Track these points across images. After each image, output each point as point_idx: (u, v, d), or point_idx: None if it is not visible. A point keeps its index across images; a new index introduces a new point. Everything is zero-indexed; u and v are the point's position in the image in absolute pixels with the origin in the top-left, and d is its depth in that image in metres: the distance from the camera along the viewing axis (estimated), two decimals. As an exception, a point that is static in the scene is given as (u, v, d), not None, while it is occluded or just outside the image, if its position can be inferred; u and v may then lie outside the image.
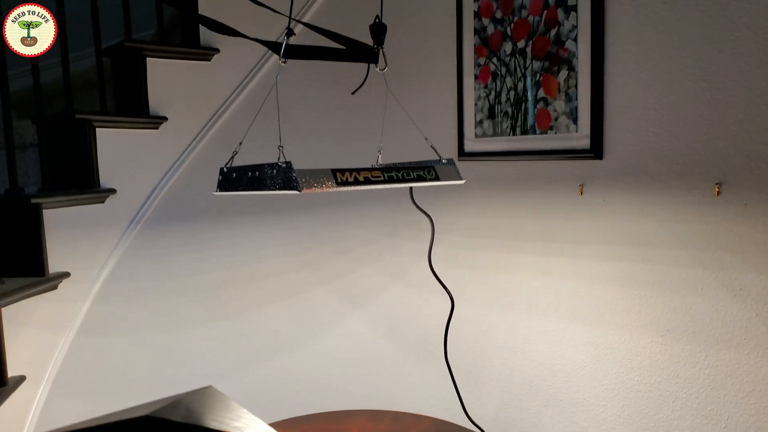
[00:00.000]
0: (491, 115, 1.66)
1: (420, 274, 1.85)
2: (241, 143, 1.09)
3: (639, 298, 1.38)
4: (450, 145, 1.79)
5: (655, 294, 1.35)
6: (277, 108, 1.26)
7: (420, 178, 1.08)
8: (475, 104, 1.70)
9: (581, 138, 1.46)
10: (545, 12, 1.51)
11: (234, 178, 1.04)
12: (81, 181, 1.83)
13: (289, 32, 1.04)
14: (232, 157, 1.07)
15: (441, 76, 1.78)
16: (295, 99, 2.00)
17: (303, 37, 1.45)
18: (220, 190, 1.07)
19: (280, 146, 1.01)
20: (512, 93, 1.61)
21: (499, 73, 1.64)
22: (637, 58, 1.34)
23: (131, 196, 1.89)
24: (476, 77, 1.69)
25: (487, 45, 1.66)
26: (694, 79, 1.25)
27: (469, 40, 1.71)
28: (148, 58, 1.91)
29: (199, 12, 1.93)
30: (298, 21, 1.31)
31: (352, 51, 1.13)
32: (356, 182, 0.95)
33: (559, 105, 1.50)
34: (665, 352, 1.35)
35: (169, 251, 1.96)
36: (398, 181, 1.02)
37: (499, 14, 1.62)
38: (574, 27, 1.45)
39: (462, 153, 1.75)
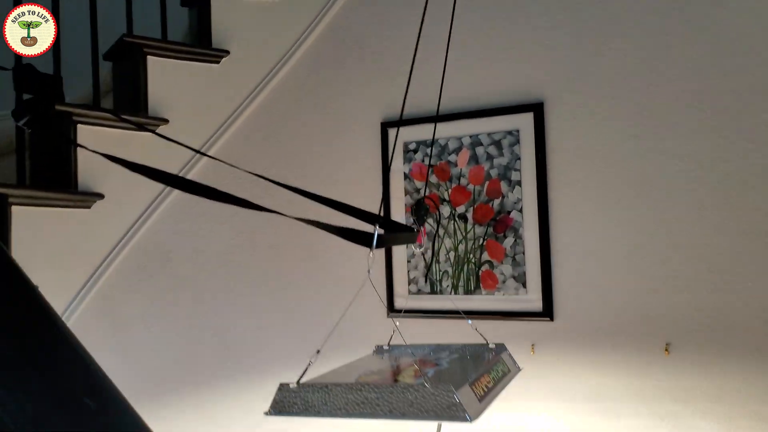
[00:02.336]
0: (428, 273, 1.67)
1: None
2: (318, 351, 0.88)
3: (601, 453, 1.47)
4: (378, 302, 1.72)
5: (616, 449, 1.46)
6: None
7: (504, 374, 1.01)
8: (408, 261, 1.69)
9: (533, 301, 1.56)
10: (487, 183, 1.62)
11: (308, 402, 0.82)
12: None
13: (378, 221, 0.91)
14: (306, 370, 0.85)
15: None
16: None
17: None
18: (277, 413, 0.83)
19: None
20: (452, 254, 1.65)
21: (435, 233, 1.67)
22: (585, 231, 1.53)
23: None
24: (412, 236, 1.69)
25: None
26: (641, 254, 1.47)
27: (399, 200, 1.72)
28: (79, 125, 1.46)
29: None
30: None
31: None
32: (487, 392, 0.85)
33: (506, 269, 1.59)
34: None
35: None
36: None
37: (434, 179, 1.68)
38: (519, 200, 1.59)
39: (392, 309, 1.69)
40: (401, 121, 1.72)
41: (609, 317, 1.49)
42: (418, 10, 1.71)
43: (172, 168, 1.72)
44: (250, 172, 1.43)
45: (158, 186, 1.65)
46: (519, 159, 1.59)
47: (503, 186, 1.61)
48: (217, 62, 1.78)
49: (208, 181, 1.77)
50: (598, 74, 1.54)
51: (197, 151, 1.44)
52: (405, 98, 1.08)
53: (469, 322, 1.18)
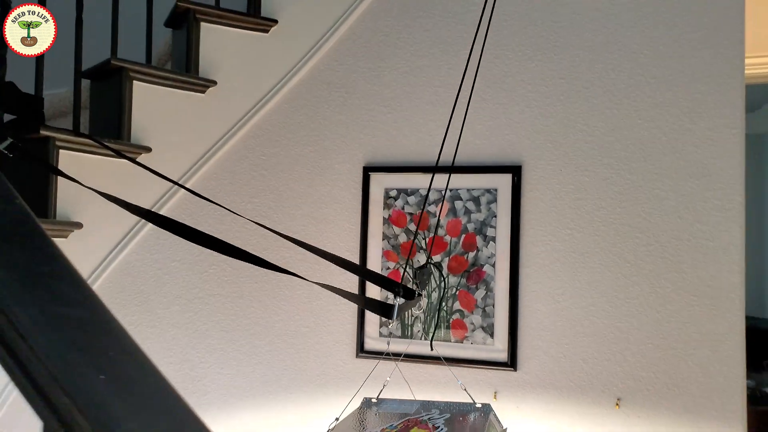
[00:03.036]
0: (400, 317, 1.73)
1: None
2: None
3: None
4: (347, 341, 1.77)
5: (567, 492, 1.59)
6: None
7: None
8: (382, 305, 1.74)
9: (499, 351, 1.66)
10: (463, 236, 1.71)
11: None
12: None
13: (399, 291, 0.96)
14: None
15: (346, 272, 1.77)
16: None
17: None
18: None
19: None
20: (425, 301, 1.72)
21: (410, 280, 1.73)
22: (551, 290, 1.65)
23: None
24: (388, 281, 1.75)
25: (398, 251, 1.75)
26: (600, 316, 1.61)
27: (377, 244, 1.77)
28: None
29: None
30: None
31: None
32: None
33: (476, 319, 1.69)
34: None
35: None
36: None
37: (412, 227, 1.75)
38: (493, 255, 1.69)
39: (362, 350, 1.75)
40: (383, 168, 1.78)
41: (567, 371, 1.62)
42: (406, 60, 1.77)
43: (151, 196, 1.69)
44: (230, 210, 1.45)
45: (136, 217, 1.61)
46: (495, 216, 1.69)
47: (479, 240, 1.70)
48: (203, 92, 1.76)
49: (187, 212, 1.75)
50: (572, 146, 1.66)
51: (176, 183, 1.43)
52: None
53: (459, 382, 1.26)
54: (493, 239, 1.69)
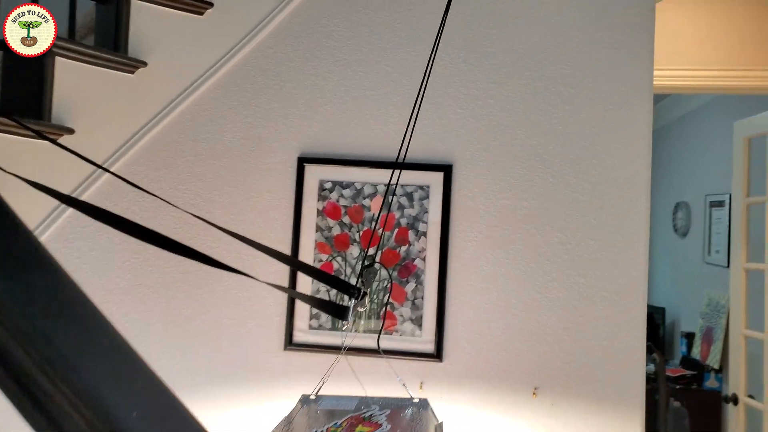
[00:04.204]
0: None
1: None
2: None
3: (473, 479, 1.69)
4: (276, 334, 1.77)
5: (486, 475, 1.69)
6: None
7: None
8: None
9: (426, 342, 1.72)
10: (397, 230, 1.75)
11: None
12: None
13: (354, 294, 0.98)
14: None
15: (274, 263, 1.76)
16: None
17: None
18: None
19: None
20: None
21: (342, 272, 1.76)
22: (476, 284, 1.73)
23: None
24: (320, 273, 1.76)
25: (331, 243, 1.77)
26: (519, 308, 1.71)
27: (310, 236, 1.77)
28: None
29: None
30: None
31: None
32: None
33: (406, 311, 1.74)
34: None
35: None
36: None
37: (347, 219, 1.77)
38: (424, 249, 1.74)
39: (290, 343, 1.75)
40: (319, 159, 1.78)
41: (489, 361, 1.71)
42: (345, 53, 1.78)
43: (73, 181, 1.59)
44: (156, 196, 1.40)
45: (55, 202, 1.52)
46: (427, 212, 1.75)
47: (411, 235, 1.75)
48: (132, 72, 1.68)
49: (110, 198, 1.67)
50: (500, 148, 1.75)
51: (100, 167, 1.37)
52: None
53: (398, 378, 1.30)
54: (425, 234, 1.75)
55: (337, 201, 1.78)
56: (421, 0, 1.79)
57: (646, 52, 1.73)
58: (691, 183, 4.93)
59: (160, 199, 1.40)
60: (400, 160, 1.74)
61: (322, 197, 1.78)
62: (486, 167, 1.75)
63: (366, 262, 1.61)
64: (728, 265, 4.33)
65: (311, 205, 1.78)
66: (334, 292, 1.70)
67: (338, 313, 0.93)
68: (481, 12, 1.78)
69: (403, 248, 1.75)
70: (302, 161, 1.79)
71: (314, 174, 1.79)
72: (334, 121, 1.81)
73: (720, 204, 4.50)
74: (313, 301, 0.94)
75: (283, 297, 1.77)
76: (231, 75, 1.80)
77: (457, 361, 1.72)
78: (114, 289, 1.74)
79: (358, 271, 1.64)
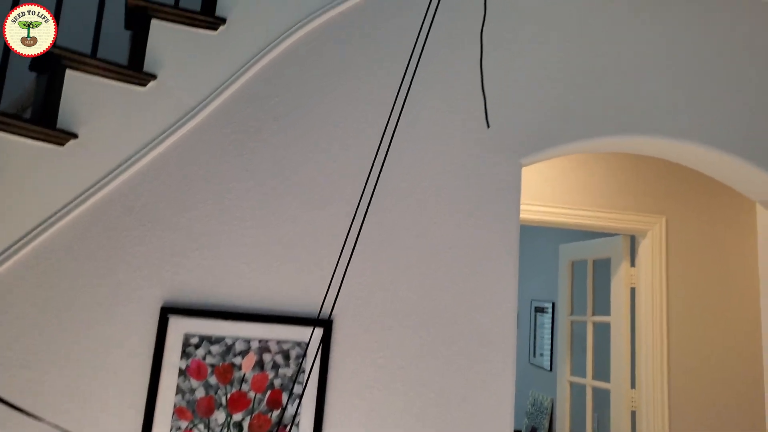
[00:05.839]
0: (189, 486, 1.54)
1: None
2: None
3: None
4: None
5: None
6: None
7: None
8: (168, 468, 1.53)
9: None
10: (269, 392, 1.62)
11: None
12: None
13: None
14: None
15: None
16: None
17: None
18: None
19: None
20: (222, 467, 1.57)
21: (206, 442, 1.57)
22: (352, 452, 1.65)
23: None
24: (179, 444, 1.55)
25: (193, 408, 1.58)
26: (395, 477, 1.65)
27: (168, 399, 1.57)
28: None
29: None
30: None
31: None
32: None
33: (275, 484, 1.59)
34: None
35: None
36: None
37: (213, 380, 1.60)
38: (298, 414, 1.63)
39: None
40: (185, 310, 1.61)
41: None
42: (221, 192, 1.67)
43: None
44: None
45: None
46: (303, 372, 1.65)
47: (284, 397, 1.63)
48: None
49: None
50: (378, 305, 1.74)
51: None
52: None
53: None
54: (300, 397, 1.64)
55: (204, 358, 1.61)
56: (307, 159, 1.75)
57: (514, 207, 1.84)
58: (519, 288, 5.41)
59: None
60: (279, 313, 1.64)
61: (186, 354, 1.60)
62: (365, 325, 1.72)
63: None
64: (551, 369, 4.75)
65: (173, 362, 1.59)
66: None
67: None
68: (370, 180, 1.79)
69: (275, 413, 1.62)
70: (166, 311, 1.60)
71: (179, 327, 1.61)
72: (206, 267, 1.66)
73: (543, 310, 4.98)
74: None
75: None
76: (93, 212, 1.58)
77: None
78: None
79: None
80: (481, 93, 1.85)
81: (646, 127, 1.96)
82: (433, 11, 1.62)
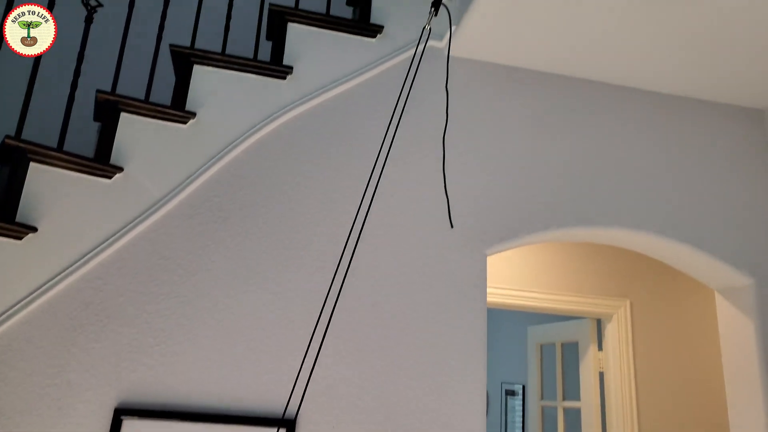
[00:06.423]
0: None
1: None
2: None
3: None
4: None
5: None
6: None
7: None
8: None
9: None
10: None
11: None
12: None
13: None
14: None
15: None
16: None
17: None
18: None
19: None
20: None
21: None
22: None
23: None
24: None
25: None
26: None
27: None
28: None
29: None
30: None
31: None
32: None
33: None
34: None
35: None
36: None
37: (167, 488, 1.50)
38: None
39: None
40: (141, 411, 1.53)
41: None
42: (185, 284, 1.63)
43: None
44: None
45: None
46: (265, 477, 1.56)
47: (244, 506, 1.53)
48: None
49: None
50: (346, 402, 1.68)
51: None
52: None
53: None
54: (260, 505, 1.54)
55: (160, 465, 1.51)
56: (273, 251, 1.74)
57: (480, 296, 1.84)
58: (489, 371, 5.34)
59: None
60: (242, 413, 1.57)
61: (140, 460, 1.50)
62: (332, 422, 1.66)
63: None
64: (524, 455, 4.62)
65: (125, 469, 1.49)
66: None
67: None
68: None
69: None
70: (119, 413, 1.52)
71: (133, 429, 1.52)
72: (166, 364, 1.60)
73: (514, 393, 4.90)
74: None
75: None
76: (48, 305, 1.52)
77: None
78: None
79: None
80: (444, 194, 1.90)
81: (605, 219, 2.02)
82: (398, 116, 1.68)
